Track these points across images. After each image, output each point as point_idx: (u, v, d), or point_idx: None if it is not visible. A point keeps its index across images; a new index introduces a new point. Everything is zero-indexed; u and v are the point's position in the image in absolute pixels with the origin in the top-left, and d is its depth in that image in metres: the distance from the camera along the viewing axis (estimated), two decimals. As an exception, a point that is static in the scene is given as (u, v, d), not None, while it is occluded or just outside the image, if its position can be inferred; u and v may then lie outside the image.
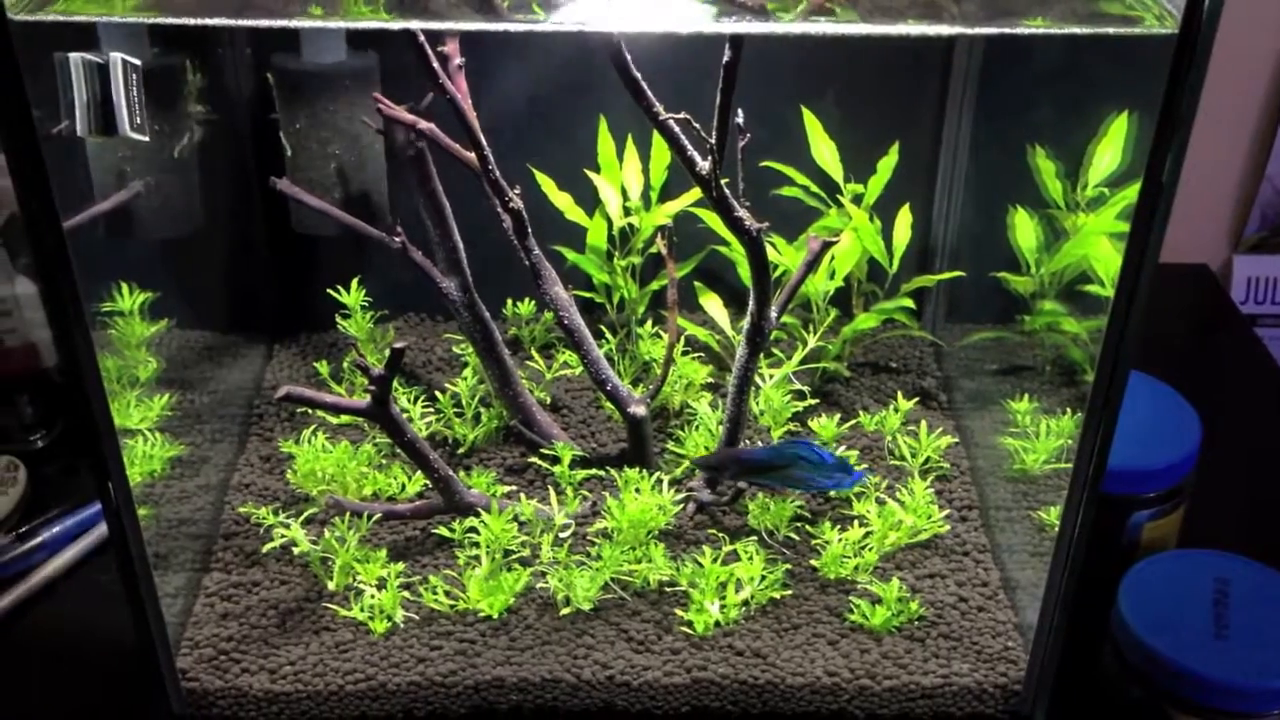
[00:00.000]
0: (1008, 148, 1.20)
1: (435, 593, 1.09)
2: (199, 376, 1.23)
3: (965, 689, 1.03)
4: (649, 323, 1.36)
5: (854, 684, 1.03)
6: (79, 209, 0.94)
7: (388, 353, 1.02)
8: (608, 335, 1.36)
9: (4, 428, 1.32)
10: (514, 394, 1.24)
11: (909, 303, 1.32)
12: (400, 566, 1.11)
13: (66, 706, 1.08)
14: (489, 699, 1.04)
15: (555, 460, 1.21)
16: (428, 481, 1.14)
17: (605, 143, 1.28)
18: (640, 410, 1.20)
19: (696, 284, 1.36)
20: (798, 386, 1.31)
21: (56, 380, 1.35)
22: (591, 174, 1.30)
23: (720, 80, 0.95)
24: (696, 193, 1.18)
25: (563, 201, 1.30)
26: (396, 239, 1.17)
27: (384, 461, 1.23)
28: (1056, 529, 0.96)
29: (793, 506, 1.17)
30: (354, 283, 1.34)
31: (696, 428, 1.25)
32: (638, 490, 1.14)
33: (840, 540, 1.13)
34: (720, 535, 1.16)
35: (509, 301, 1.41)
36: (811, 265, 1.14)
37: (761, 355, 1.17)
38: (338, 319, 1.36)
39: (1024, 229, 1.15)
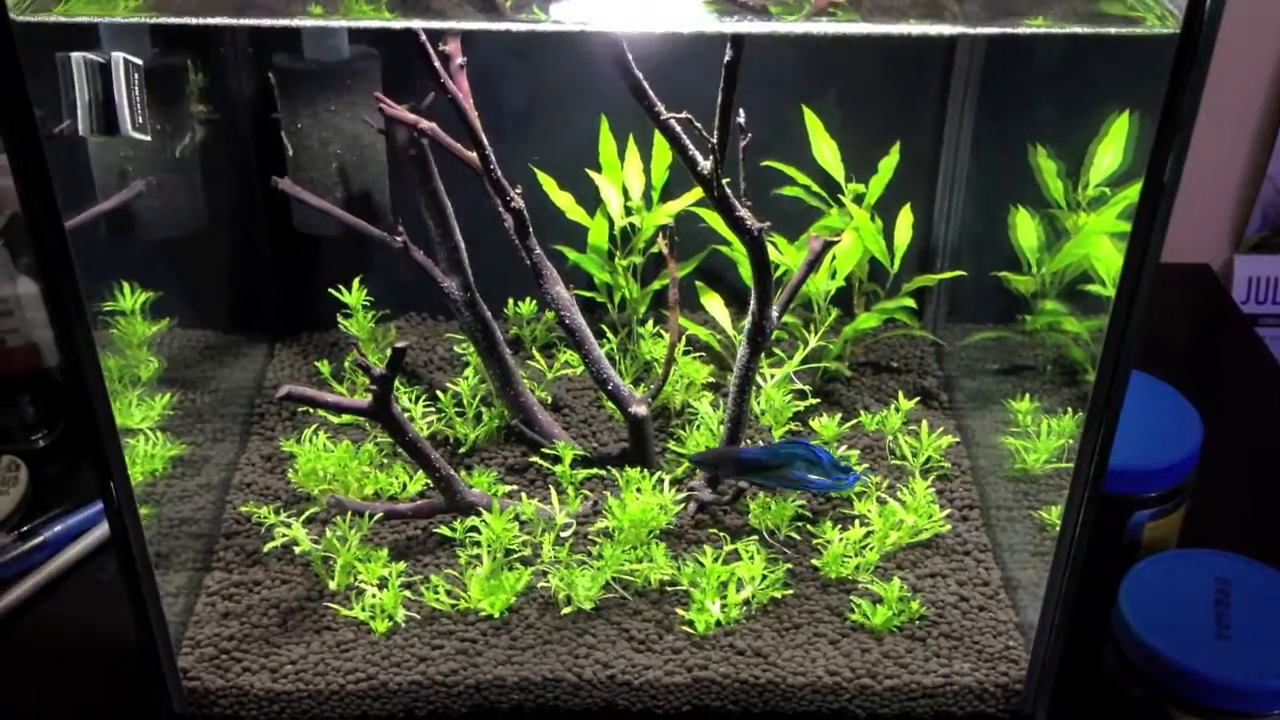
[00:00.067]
0: (1009, 147, 1.20)
1: (436, 592, 1.09)
2: (200, 376, 1.23)
3: (966, 688, 1.03)
4: (650, 322, 1.36)
5: (855, 683, 1.03)
6: (81, 208, 0.94)
7: (389, 352, 1.02)
8: (609, 335, 1.36)
9: (6, 427, 1.33)
10: (515, 393, 1.24)
11: (910, 302, 1.32)
12: (401, 566, 1.12)
13: (68, 705, 1.08)
14: (490, 698, 1.04)
15: (556, 460, 1.21)
16: (429, 481, 1.14)
17: (607, 142, 1.28)
18: (641, 410, 1.20)
19: (698, 283, 1.36)
20: (799, 386, 1.31)
21: (58, 380, 1.35)
22: (593, 173, 1.30)
23: (722, 80, 0.95)
24: (698, 192, 1.18)
25: (564, 201, 1.30)
26: (398, 238, 1.17)
27: (385, 461, 1.23)
28: (1057, 528, 0.96)
29: (794, 506, 1.17)
30: (355, 282, 1.34)
31: (698, 427, 1.25)
32: (639, 490, 1.14)
33: (841, 540, 1.13)
34: (721, 535, 1.16)
35: (510, 301, 1.41)
36: (813, 265, 1.14)
37: (763, 355, 1.17)
38: (339, 318, 1.37)
39: (1025, 228, 1.15)
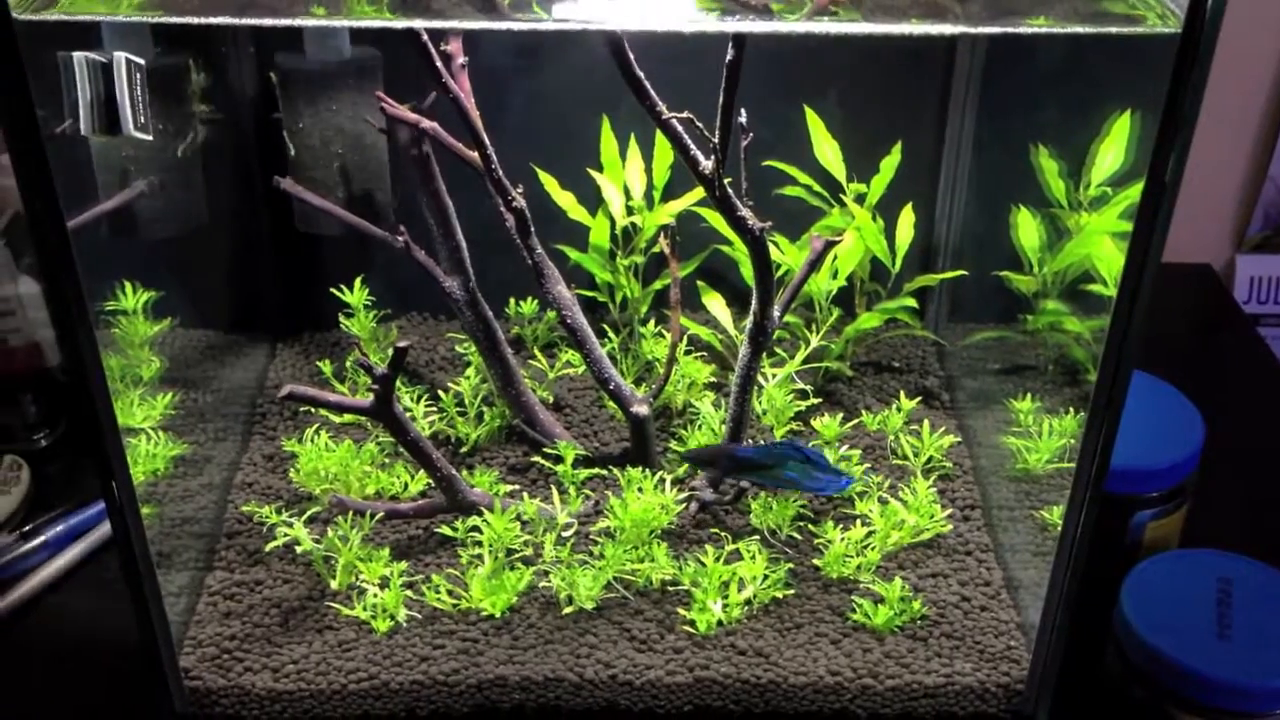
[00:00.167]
0: (1010, 147, 1.20)
1: (438, 592, 1.09)
2: (202, 375, 1.24)
3: (968, 688, 1.03)
4: (652, 322, 1.36)
5: (856, 683, 1.03)
6: (83, 208, 0.94)
7: (390, 352, 1.02)
8: (610, 334, 1.36)
9: (7, 427, 1.33)
10: (517, 393, 1.24)
11: (912, 302, 1.32)
12: (403, 565, 1.12)
13: (69, 705, 1.08)
14: (491, 698, 1.04)
15: (558, 459, 1.21)
16: (430, 480, 1.14)
17: (608, 142, 1.28)
18: (643, 409, 1.20)
19: (699, 283, 1.36)
20: (800, 386, 1.31)
21: (60, 379, 1.35)
22: (594, 173, 1.30)
23: (723, 79, 0.95)
24: (699, 192, 1.18)
25: (565, 201, 1.30)
26: (399, 238, 1.17)
27: (387, 460, 1.23)
28: (1059, 528, 0.96)
29: (795, 506, 1.17)
30: (357, 282, 1.34)
31: (699, 427, 1.25)
32: (640, 489, 1.14)
33: (843, 540, 1.13)
34: (723, 534, 1.16)
35: (512, 300, 1.41)
36: (814, 264, 1.14)
37: (764, 355, 1.17)
38: (341, 318, 1.37)
39: (1027, 228, 1.15)
